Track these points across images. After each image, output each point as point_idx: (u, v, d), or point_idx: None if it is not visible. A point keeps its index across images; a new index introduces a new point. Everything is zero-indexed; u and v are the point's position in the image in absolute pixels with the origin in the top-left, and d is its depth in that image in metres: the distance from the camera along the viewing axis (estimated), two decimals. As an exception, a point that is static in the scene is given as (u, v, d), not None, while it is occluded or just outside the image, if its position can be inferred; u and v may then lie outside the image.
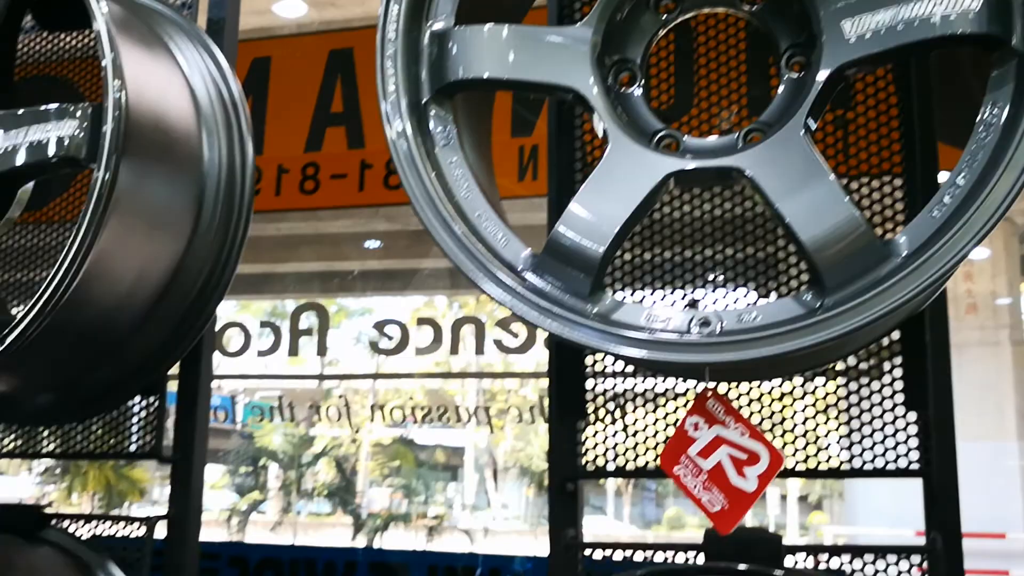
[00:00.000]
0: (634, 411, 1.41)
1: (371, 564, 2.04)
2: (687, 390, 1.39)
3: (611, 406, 1.42)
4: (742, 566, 1.07)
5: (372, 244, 5.73)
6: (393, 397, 19.27)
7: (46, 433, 1.73)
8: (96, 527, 1.68)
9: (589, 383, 1.43)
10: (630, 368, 1.41)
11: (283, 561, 2.09)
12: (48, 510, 1.66)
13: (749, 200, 1.37)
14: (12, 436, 1.75)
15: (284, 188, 2.79)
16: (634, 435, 1.41)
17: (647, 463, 1.39)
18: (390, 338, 2.29)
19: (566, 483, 1.41)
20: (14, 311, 1.66)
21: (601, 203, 1.13)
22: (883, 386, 1.33)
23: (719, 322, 1.08)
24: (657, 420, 1.40)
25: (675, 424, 1.38)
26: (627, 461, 1.40)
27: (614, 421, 1.41)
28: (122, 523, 1.67)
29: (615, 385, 1.42)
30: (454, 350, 2.26)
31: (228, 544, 2.12)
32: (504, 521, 18.92)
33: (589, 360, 1.43)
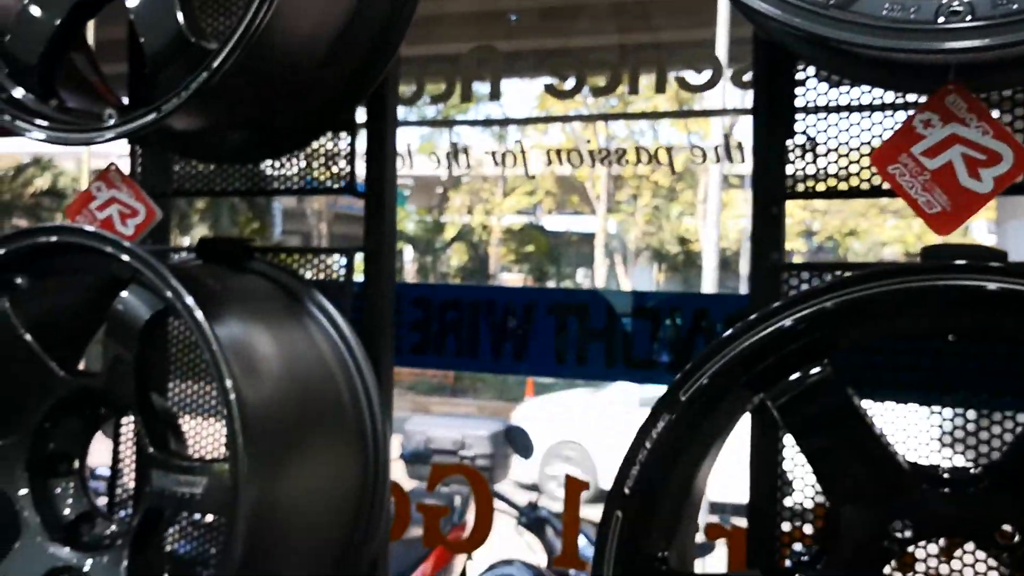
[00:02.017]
0: (848, 128, 1.34)
1: (550, 306, 2.10)
2: (910, 105, 1.31)
3: (823, 123, 1.35)
4: (960, 261, 1.03)
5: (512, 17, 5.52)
6: (523, 184, 19.46)
7: (243, 171, 1.78)
8: (297, 261, 1.75)
9: (800, 96, 1.36)
10: (846, 82, 1.33)
11: (465, 302, 2.16)
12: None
13: None
14: (210, 174, 1.81)
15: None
16: (846, 154, 1.34)
17: (859, 183, 1.34)
18: (564, 79, 2.23)
19: (771, 205, 1.38)
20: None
21: None
22: None
23: (971, 9, 1.00)
24: (873, 138, 1.33)
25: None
26: (838, 181, 1.35)
27: (826, 140, 1.35)
28: (322, 255, 1.73)
29: (828, 101, 1.35)
30: (633, 90, 2.18)
31: (410, 286, 2.20)
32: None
33: (801, 74, 1.36)
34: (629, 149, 2.45)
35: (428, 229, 20.58)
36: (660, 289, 19.72)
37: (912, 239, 17.58)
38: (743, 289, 18.78)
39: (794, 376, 1.07)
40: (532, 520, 4.12)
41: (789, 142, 1.37)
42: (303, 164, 1.74)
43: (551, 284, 20.30)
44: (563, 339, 2.06)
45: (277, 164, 1.75)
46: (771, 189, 1.38)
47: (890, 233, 18.06)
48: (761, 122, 1.39)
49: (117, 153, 1.87)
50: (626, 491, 1.09)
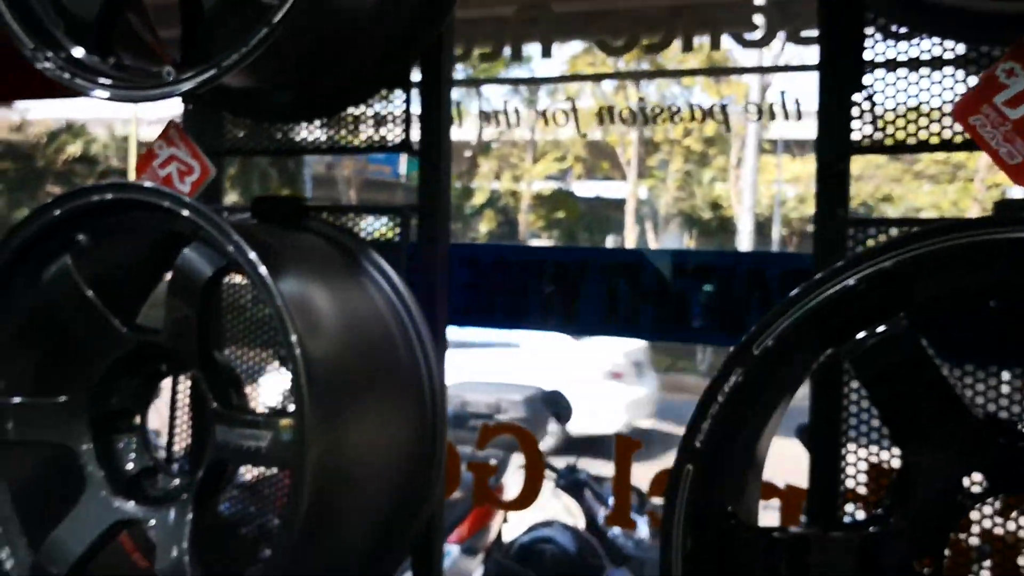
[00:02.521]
0: (918, 81, 1.32)
1: (602, 265, 2.09)
2: (981, 56, 1.28)
3: (891, 77, 1.33)
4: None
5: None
6: (552, 149, 19.37)
7: (298, 129, 1.78)
8: (352, 220, 1.75)
9: (868, 50, 1.34)
10: (916, 34, 1.31)
11: (515, 262, 2.16)
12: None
13: None
14: (265, 133, 1.81)
15: None
16: (915, 108, 1.32)
17: (928, 138, 1.32)
18: (616, 37, 2.21)
19: (837, 161, 1.36)
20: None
21: None
22: None
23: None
24: (944, 91, 1.31)
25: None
26: (907, 135, 1.33)
27: (894, 93, 1.33)
28: (376, 215, 1.73)
29: (896, 54, 1.33)
30: (687, 47, 2.14)
31: (461, 246, 2.19)
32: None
33: (869, 26, 1.33)
34: (668, 111, 2.43)
35: (457, 195, 20.57)
36: (693, 255, 19.58)
37: (947, 205, 17.36)
38: (775, 255, 18.63)
39: (869, 330, 1.06)
40: (570, 482, 4.14)
41: (855, 96, 1.35)
42: (356, 123, 1.74)
43: (581, 250, 20.25)
44: (613, 299, 2.05)
45: (328, 123, 1.74)
46: (837, 144, 1.36)
47: (925, 199, 17.85)
48: (827, 76, 1.37)
49: (153, 117, 1.87)
50: (697, 445, 1.09)
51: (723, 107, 2.26)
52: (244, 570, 1.90)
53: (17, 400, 1.60)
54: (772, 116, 2.15)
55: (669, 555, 1.09)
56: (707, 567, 1.10)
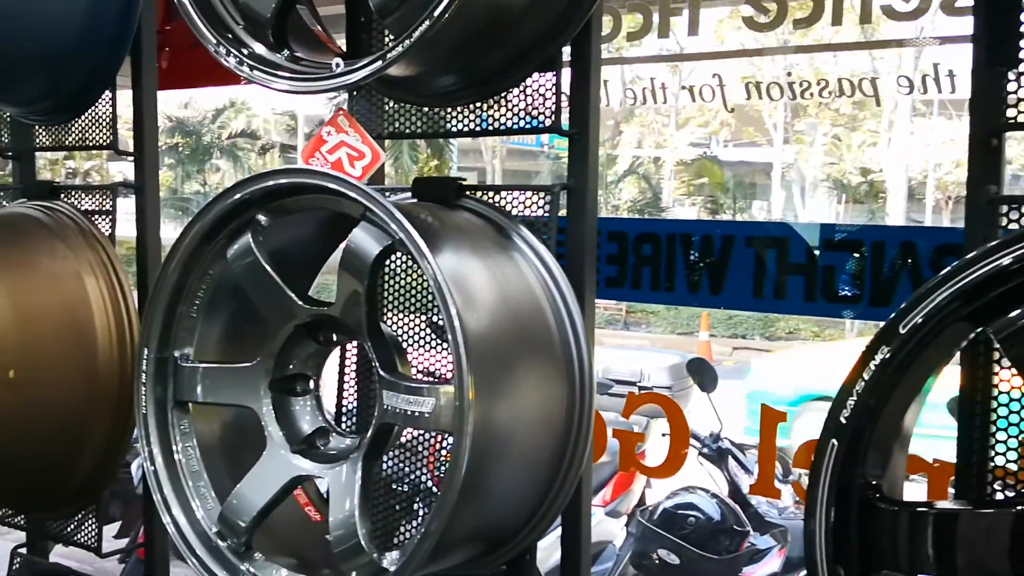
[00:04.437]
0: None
1: (748, 238, 2.11)
2: None
3: (1050, 51, 1.31)
4: None
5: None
6: (696, 114, 19.06)
7: (454, 113, 1.87)
8: (503, 198, 1.83)
9: (1025, 24, 1.32)
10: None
11: (660, 235, 2.21)
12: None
13: None
14: (423, 116, 1.91)
15: None
16: (1076, 82, 1.30)
17: (1089, 113, 1.29)
18: (766, 12, 2.20)
19: (990, 137, 1.35)
20: None
21: None
22: None
23: None
24: (1105, 63, 1.28)
25: None
26: (1065, 110, 1.30)
27: (1053, 68, 1.31)
28: (528, 193, 1.80)
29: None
30: (836, 20, 2.12)
31: (607, 220, 2.25)
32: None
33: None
34: (816, 78, 2.40)
35: (600, 162, 20.51)
36: (842, 221, 19.01)
37: None
38: (928, 220, 17.89)
39: (1019, 310, 1.07)
40: (713, 451, 4.16)
41: (1011, 71, 1.33)
42: (509, 104, 1.81)
43: (726, 216, 19.91)
44: (761, 273, 2.07)
45: (484, 105, 1.82)
46: (989, 121, 1.35)
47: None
48: (980, 48, 1.35)
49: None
50: (842, 420, 1.12)
51: (872, 80, 2.22)
52: (400, 522, 2.04)
53: (205, 365, 1.77)
54: (924, 89, 2.10)
55: (813, 528, 1.13)
56: (851, 540, 1.14)
